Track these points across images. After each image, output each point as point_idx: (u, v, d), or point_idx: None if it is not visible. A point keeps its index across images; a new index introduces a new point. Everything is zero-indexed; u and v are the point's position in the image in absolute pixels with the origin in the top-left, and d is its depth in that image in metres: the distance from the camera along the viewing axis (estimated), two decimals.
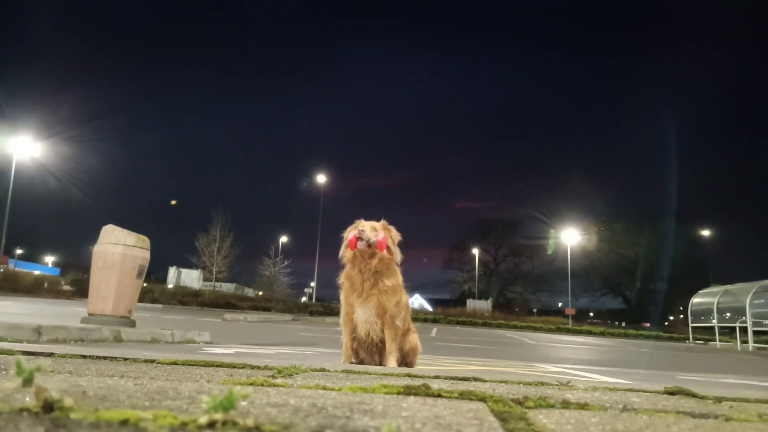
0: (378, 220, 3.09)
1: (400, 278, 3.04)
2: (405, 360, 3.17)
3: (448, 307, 45.08)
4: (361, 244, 2.84)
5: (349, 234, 2.93)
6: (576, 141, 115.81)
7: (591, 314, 62.20)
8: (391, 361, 2.87)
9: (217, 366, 1.71)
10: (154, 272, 48.33)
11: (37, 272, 41.52)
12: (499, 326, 33.42)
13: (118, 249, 5.58)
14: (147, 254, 5.89)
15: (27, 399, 0.78)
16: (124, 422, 0.69)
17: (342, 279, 3.05)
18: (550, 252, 52.67)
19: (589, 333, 32.87)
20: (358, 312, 2.92)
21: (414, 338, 3.22)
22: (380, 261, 2.88)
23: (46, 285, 32.39)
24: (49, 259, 69.15)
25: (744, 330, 21.89)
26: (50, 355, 1.81)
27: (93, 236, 5.79)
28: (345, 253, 3.00)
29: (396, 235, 3.08)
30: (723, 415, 1.14)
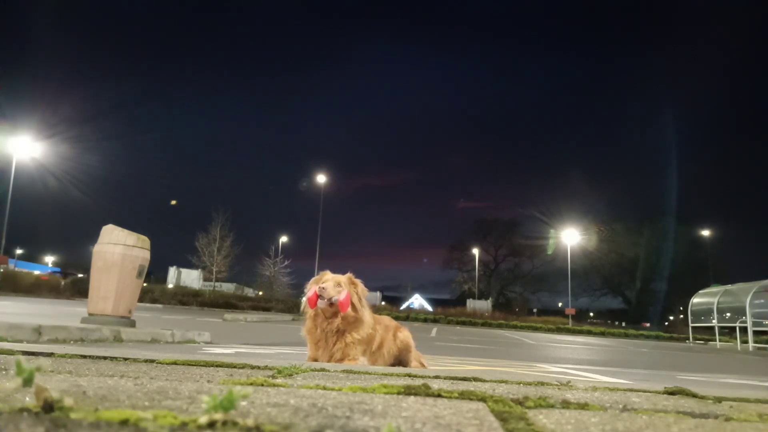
0: (344, 273, 2.90)
1: (370, 323, 2.83)
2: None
3: (448, 307, 45.05)
4: (321, 303, 2.64)
5: (310, 291, 2.72)
6: (576, 141, 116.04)
7: (591, 314, 62.19)
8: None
9: (217, 366, 1.71)
10: (154, 272, 48.31)
11: (37, 272, 41.50)
12: (499, 326, 33.42)
13: (118, 249, 5.58)
14: (147, 254, 5.89)
15: (27, 399, 0.78)
16: (124, 422, 0.69)
17: (304, 332, 2.87)
18: (550, 252, 52.71)
19: (589, 333, 32.87)
20: (320, 357, 2.77)
21: (410, 346, 3.13)
22: (343, 320, 2.69)
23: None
24: (49, 259, 69.17)
25: (744, 330, 21.89)
26: (50, 355, 1.81)
27: (93, 236, 5.80)
28: (305, 309, 2.82)
29: (363, 291, 2.87)
30: (723, 415, 1.13)
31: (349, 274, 2.88)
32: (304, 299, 2.81)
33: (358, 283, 2.86)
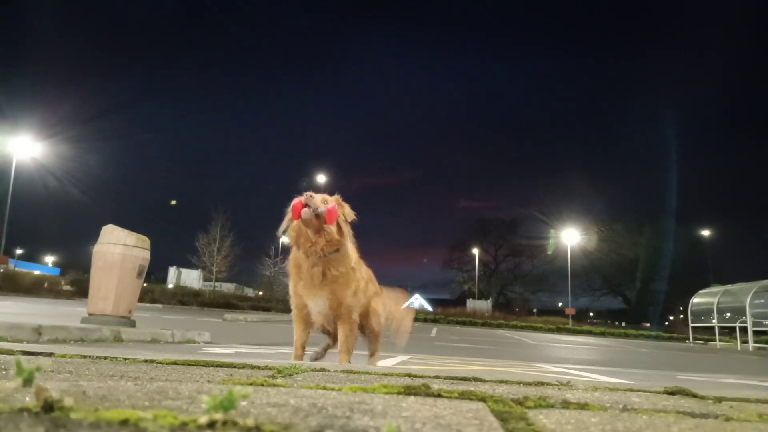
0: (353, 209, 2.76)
1: (354, 257, 2.67)
2: (372, 347, 3.06)
3: (448, 307, 45.09)
4: (306, 212, 2.41)
5: (295, 200, 2.50)
6: (576, 141, 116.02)
7: (591, 314, 62.21)
8: (343, 360, 2.64)
9: (217, 366, 1.71)
10: (154, 272, 48.37)
11: (37, 272, 41.51)
12: (499, 326, 33.44)
13: (118, 249, 5.58)
14: (147, 254, 5.90)
15: (27, 399, 0.78)
16: (124, 422, 0.69)
17: (289, 265, 2.72)
18: (550, 252, 52.75)
19: (589, 333, 32.89)
20: (310, 304, 2.65)
21: (377, 312, 3.00)
22: (328, 242, 2.49)
23: (46, 285, 32.39)
24: (49, 259, 69.19)
25: (744, 330, 21.91)
26: (50, 355, 1.81)
27: (93, 236, 5.80)
28: (289, 228, 2.60)
29: (349, 213, 2.69)
30: (723, 415, 1.13)
31: (337, 196, 2.71)
32: (287, 217, 2.61)
33: (345, 205, 2.70)
